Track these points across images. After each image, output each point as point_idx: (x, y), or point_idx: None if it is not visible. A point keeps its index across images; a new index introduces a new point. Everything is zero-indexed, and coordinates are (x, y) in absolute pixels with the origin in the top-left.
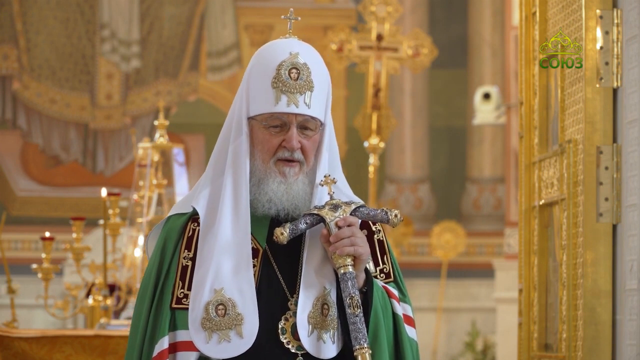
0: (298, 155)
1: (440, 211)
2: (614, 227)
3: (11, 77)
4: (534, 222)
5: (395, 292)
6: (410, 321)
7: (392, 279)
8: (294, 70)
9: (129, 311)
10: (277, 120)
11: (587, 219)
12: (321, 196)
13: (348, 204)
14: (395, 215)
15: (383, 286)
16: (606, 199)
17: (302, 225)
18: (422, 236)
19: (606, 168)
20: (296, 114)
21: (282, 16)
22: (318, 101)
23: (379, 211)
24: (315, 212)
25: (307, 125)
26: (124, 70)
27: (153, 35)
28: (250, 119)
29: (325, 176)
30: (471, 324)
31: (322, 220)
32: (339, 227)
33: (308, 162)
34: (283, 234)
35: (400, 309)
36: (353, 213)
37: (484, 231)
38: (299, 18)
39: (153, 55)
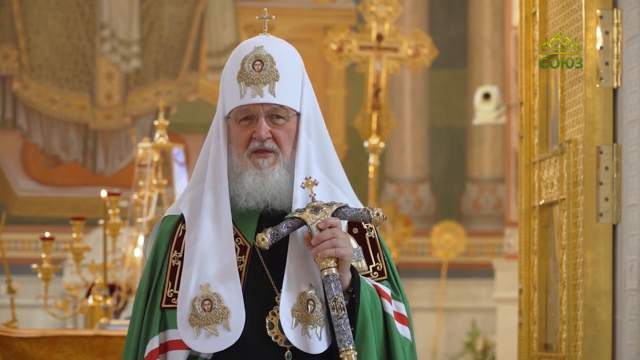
0: (269, 144)
1: (440, 211)
2: (614, 227)
3: (11, 77)
4: (534, 222)
5: (387, 290)
6: (402, 319)
7: (385, 277)
8: (257, 63)
9: (129, 311)
10: (245, 113)
11: (587, 219)
12: (326, 193)
13: (329, 205)
14: (377, 214)
15: (374, 285)
16: (606, 199)
17: (284, 230)
18: (422, 236)
19: (606, 168)
20: (262, 104)
21: (257, 17)
22: (287, 90)
23: (360, 210)
24: (297, 215)
25: (277, 113)
26: (124, 70)
27: (153, 35)
28: (226, 118)
29: (306, 178)
30: (471, 324)
31: (303, 223)
32: (320, 230)
33: (283, 152)
34: (264, 239)
35: (391, 307)
36: (334, 214)
37: (484, 231)
38: (273, 17)
39: (153, 55)
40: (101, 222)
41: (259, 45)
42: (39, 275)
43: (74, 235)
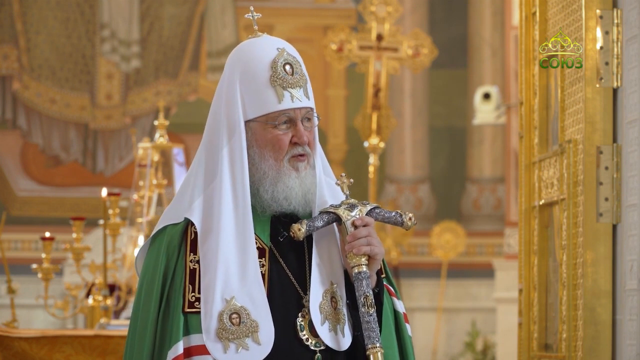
0: (307, 149)
1: (440, 211)
2: (614, 227)
3: (11, 77)
4: (534, 222)
5: (392, 289)
6: (406, 317)
7: (383, 275)
8: (287, 66)
9: (129, 311)
10: (285, 117)
11: (587, 219)
12: (325, 189)
13: (364, 204)
14: (410, 219)
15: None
16: (606, 199)
17: (319, 223)
18: (422, 236)
19: (606, 168)
20: (300, 108)
21: (246, 15)
22: (311, 94)
23: (393, 214)
24: (332, 210)
25: (309, 116)
26: (124, 70)
27: (153, 35)
28: (249, 122)
29: (341, 175)
30: (471, 324)
31: (338, 218)
32: (355, 227)
33: (314, 155)
34: (300, 229)
35: (399, 305)
36: (369, 214)
37: (484, 231)
38: (261, 15)
39: (153, 55)
40: (101, 222)
41: (281, 47)
42: (39, 275)
43: (74, 235)
